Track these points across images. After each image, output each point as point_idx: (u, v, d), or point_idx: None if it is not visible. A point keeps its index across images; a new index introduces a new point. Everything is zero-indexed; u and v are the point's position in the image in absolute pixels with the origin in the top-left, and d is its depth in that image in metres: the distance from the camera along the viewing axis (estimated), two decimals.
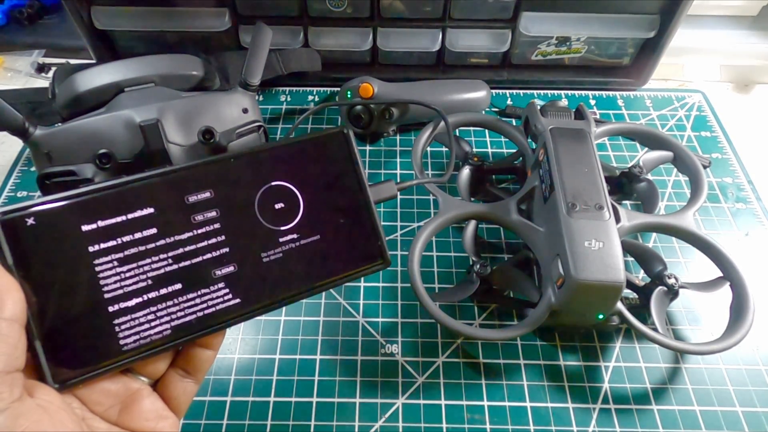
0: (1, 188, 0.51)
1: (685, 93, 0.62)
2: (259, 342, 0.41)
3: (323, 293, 0.44)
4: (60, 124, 0.43)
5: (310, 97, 0.61)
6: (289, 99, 0.60)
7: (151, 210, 0.24)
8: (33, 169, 0.53)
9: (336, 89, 0.60)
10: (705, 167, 0.51)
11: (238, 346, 0.41)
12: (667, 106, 0.60)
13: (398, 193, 0.30)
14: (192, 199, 0.24)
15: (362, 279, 0.45)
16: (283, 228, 0.26)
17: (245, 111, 0.47)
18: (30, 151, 0.42)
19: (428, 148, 0.54)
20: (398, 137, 0.56)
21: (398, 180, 0.40)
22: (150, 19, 0.55)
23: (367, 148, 0.55)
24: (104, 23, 0.55)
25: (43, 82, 0.61)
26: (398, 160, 0.54)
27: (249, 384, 0.39)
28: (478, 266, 0.41)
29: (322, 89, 0.61)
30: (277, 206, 0.26)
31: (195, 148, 0.44)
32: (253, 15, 0.56)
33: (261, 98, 0.60)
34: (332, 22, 0.57)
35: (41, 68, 0.63)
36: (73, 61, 0.60)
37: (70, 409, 0.21)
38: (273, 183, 0.26)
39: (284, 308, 0.43)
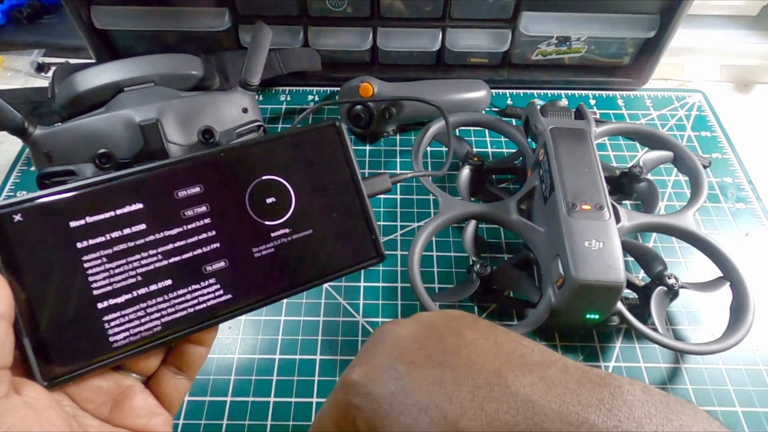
0: (1, 188, 0.51)
1: (685, 93, 0.62)
2: (259, 342, 0.41)
3: (323, 292, 0.44)
4: (60, 123, 0.43)
5: (310, 97, 0.61)
6: (289, 99, 0.60)
7: (140, 206, 0.23)
8: (33, 169, 0.53)
9: (336, 89, 0.60)
10: (705, 167, 0.51)
11: (238, 346, 0.41)
12: (667, 106, 0.60)
13: (392, 186, 0.30)
14: (181, 194, 0.24)
15: (362, 279, 0.45)
16: (274, 223, 0.26)
17: (245, 111, 0.47)
18: (30, 151, 0.42)
19: (428, 148, 0.54)
20: (398, 137, 0.56)
21: None
22: (150, 19, 0.55)
23: (367, 148, 0.55)
24: (104, 23, 0.55)
25: (42, 81, 0.61)
26: (398, 160, 0.54)
27: (249, 384, 0.39)
28: (478, 266, 0.41)
29: (322, 89, 0.61)
30: (269, 201, 0.26)
31: (195, 148, 0.44)
32: (253, 15, 0.55)
33: (261, 98, 0.60)
34: (332, 21, 0.56)
35: (41, 68, 0.63)
36: (72, 61, 0.60)
37: (59, 406, 0.21)
38: (264, 177, 0.26)
39: (284, 308, 0.43)
